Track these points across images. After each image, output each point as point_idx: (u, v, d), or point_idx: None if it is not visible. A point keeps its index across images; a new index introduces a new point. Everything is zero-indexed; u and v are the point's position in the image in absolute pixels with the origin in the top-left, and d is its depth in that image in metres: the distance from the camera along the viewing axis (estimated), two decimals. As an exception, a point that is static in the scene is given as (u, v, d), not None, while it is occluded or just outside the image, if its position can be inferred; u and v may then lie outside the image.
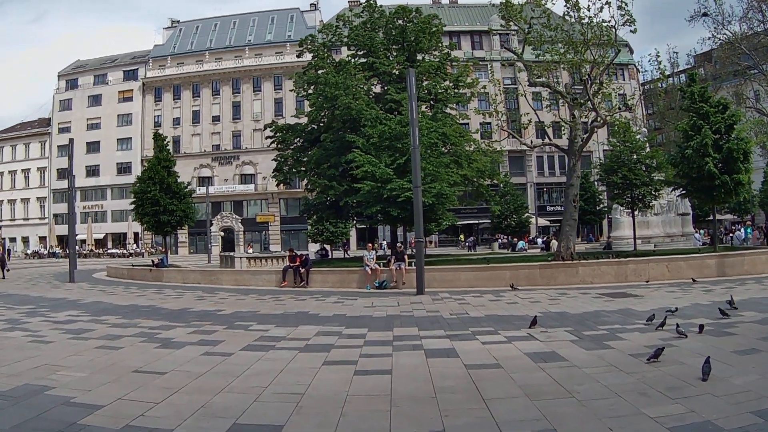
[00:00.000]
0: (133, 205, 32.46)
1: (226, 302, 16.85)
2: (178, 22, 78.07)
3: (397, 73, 31.12)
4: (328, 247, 45.09)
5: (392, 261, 20.37)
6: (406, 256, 20.51)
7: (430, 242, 46.07)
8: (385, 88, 31.19)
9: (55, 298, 19.04)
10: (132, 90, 72.49)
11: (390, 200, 23.34)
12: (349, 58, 32.84)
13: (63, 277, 28.44)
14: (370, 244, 23.58)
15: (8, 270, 32.23)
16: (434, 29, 31.80)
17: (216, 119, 70.59)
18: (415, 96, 19.06)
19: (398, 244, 25.87)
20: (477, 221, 59.57)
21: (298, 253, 23.54)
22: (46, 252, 66.37)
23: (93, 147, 71.71)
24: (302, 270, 21.05)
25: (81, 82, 75.26)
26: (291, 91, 49.72)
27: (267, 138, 35.61)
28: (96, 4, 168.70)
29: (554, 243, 31.75)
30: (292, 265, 21.60)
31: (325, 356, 8.74)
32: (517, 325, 10.99)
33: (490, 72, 60.55)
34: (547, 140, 26.12)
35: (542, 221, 61.59)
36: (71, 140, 31.27)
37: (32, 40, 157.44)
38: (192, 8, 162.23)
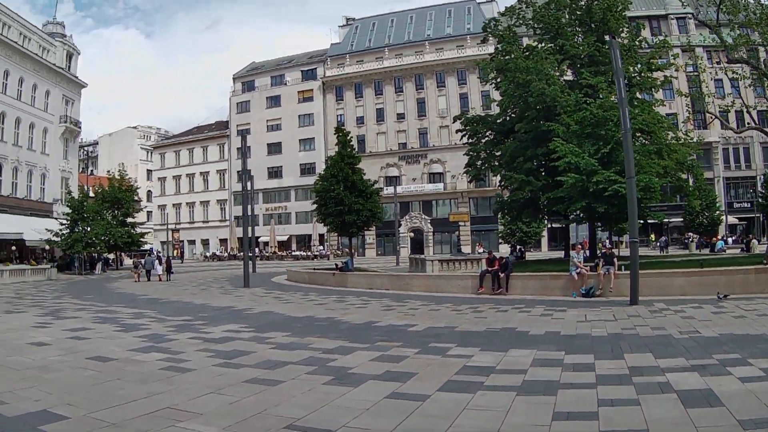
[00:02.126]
0: (316, 205, 32.15)
1: (418, 314, 15.38)
2: (354, 19, 79.34)
3: (587, 56, 28.49)
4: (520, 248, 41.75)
5: (600, 264, 18.63)
6: (615, 260, 18.85)
7: (621, 243, 41.44)
8: (578, 72, 28.61)
9: (219, 307, 18.28)
10: (312, 90, 74.60)
11: (596, 194, 21.52)
12: (536, 42, 30.22)
13: (238, 282, 28.40)
14: (579, 245, 21.77)
15: (173, 273, 33.59)
16: (620, 7, 28.79)
17: (401, 117, 70.54)
18: (621, 71, 17.43)
19: (606, 246, 23.13)
20: (667, 219, 53.73)
21: (497, 255, 22.25)
22: (225, 254, 69.44)
23: (274, 148, 75.14)
24: (501, 275, 19.73)
25: (258, 83, 78.70)
26: (479, 81, 47.46)
27: (457, 131, 33.83)
28: (269, 8, 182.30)
29: (754, 243, 30.33)
30: (490, 269, 20.23)
31: (552, 404, 6.43)
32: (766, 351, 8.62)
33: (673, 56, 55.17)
34: (751, 124, 22.36)
35: (731, 219, 57.03)
36: (243, 140, 31.28)
37: (208, 46, 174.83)
38: (363, 8, 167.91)
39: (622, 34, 29.16)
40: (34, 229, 39.91)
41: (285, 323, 13.94)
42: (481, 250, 36.14)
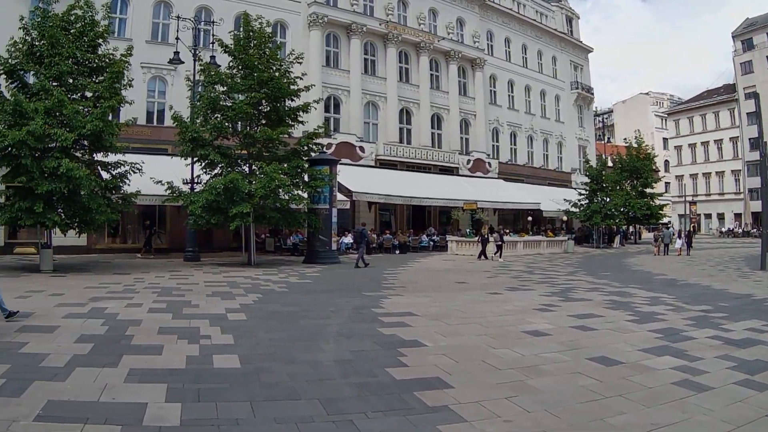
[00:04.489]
0: None
1: None
2: None
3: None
4: None
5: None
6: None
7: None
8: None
9: (738, 294, 15.01)
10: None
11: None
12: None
13: (754, 263, 24.54)
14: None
15: (692, 248, 31.72)
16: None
17: None
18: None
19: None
20: None
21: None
22: (740, 230, 63.41)
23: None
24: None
25: (756, 41, 67.43)
26: None
27: None
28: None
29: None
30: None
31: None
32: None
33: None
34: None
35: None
36: (757, 103, 25.55)
37: (701, 6, 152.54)
38: None
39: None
40: (551, 199, 40.58)
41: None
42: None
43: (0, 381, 6.05)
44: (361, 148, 34.66)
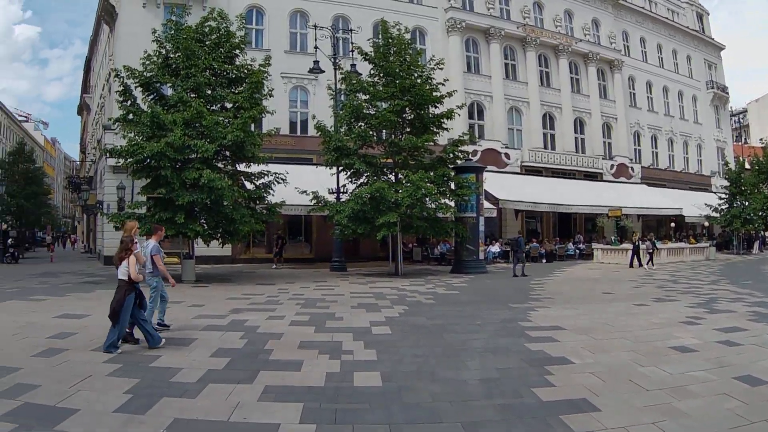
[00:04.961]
0: None
1: None
2: None
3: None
4: None
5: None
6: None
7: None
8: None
9: None
10: None
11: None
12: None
13: None
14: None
15: None
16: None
17: None
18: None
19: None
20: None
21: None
22: None
23: None
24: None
25: None
26: None
27: None
28: None
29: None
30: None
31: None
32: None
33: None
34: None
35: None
36: None
37: None
38: None
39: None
40: (693, 204, 38.54)
41: None
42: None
43: (126, 397, 5.93)
44: (507, 155, 34.31)
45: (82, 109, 49.49)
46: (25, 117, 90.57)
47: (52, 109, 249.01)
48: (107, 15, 30.32)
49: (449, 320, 11.18)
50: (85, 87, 52.50)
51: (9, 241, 32.29)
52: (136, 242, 8.71)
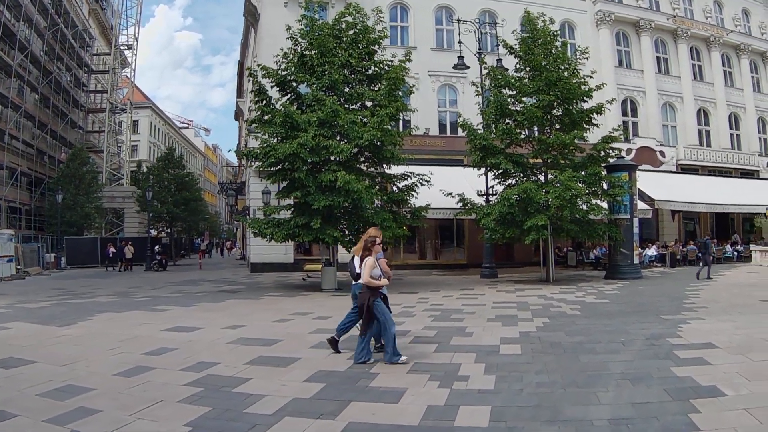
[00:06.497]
0: None
1: None
2: None
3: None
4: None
5: None
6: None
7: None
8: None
9: None
10: None
11: None
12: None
13: None
14: None
15: None
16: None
17: None
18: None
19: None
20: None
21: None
22: None
23: None
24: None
25: None
26: None
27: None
28: None
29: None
30: None
31: None
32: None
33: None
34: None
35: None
36: None
37: None
38: None
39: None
40: None
41: None
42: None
43: (184, 430, 5.19)
44: (662, 153, 32.47)
45: (238, 114, 51.78)
46: (186, 124, 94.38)
47: (216, 116, 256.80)
48: (250, 16, 31.34)
49: (590, 336, 9.84)
50: (239, 91, 54.23)
51: (156, 248, 33.76)
52: (380, 244, 8.12)
